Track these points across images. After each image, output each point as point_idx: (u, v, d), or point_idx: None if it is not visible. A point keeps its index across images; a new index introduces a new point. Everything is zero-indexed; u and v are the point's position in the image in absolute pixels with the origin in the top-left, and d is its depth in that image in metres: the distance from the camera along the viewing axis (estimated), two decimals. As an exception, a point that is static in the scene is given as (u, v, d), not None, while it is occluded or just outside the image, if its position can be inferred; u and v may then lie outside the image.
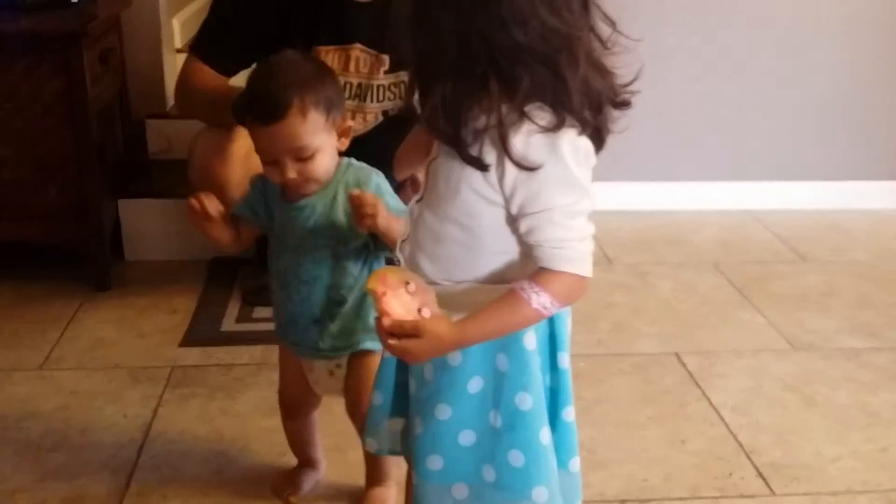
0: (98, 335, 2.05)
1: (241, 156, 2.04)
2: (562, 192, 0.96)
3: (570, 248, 0.97)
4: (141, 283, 2.31)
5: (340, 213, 1.28)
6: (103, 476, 1.57)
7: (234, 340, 2.07)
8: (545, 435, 1.06)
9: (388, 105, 2.03)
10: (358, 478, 1.53)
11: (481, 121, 0.94)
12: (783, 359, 2.03)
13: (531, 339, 1.04)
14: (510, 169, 0.95)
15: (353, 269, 1.32)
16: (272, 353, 2.00)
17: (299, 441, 1.55)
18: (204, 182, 2.06)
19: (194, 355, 1.99)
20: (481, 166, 0.96)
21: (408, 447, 1.15)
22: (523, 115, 0.93)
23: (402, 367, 1.13)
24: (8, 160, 2.15)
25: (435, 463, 1.08)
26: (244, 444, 1.68)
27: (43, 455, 1.63)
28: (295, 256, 1.32)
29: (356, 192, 1.20)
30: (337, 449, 1.62)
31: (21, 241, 2.25)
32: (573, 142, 0.95)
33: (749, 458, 1.67)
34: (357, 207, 1.19)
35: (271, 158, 1.25)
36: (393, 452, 1.23)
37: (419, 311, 0.99)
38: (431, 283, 1.03)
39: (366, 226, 1.19)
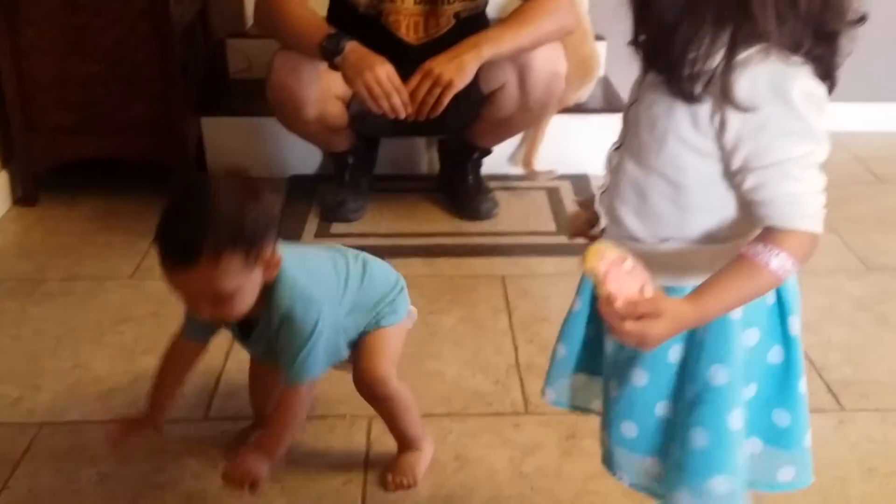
0: (184, 247, 2.14)
1: (318, 75, 2.07)
2: (795, 142, 0.86)
3: (806, 203, 0.88)
4: (223, 198, 2.39)
5: (278, 339, 1.24)
6: (192, 378, 1.64)
7: (313, 254, 2.14)
8: (735, 418, 0.97)
9: (459, 7, 2.04)
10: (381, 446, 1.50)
11: (703, 60, 0.85)
12: (857, 279, 2.01)
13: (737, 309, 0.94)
14: (733, 119, 0.86)
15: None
16: (349, 266, 2.07)
17: (256, 390, 1.49)
18: (280, 101, 2.12)
19: (275, 268, 2.07)
20: (694, 102, 0.87)
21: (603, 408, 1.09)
22: (750, 58, 0.84)
23: (592, 322, 1.07)
24: (97, 76, 2.22)
25: (629, 430, 1.02)
26: (324, 351, 1.76)
27: (136, 357, 1.73)
28: (262, 360, 1.40)
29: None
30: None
31: (110, 156, 2.34)
32: (806, 85, 0.85)
33: (819, 375, 1.67)
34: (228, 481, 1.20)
35: (183, 299, 1.18)
36: (572, 407, 1.16)
37: (641, 289, 0.89)
38: (634, 239, 0.96)
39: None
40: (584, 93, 2.55)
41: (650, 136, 0.92)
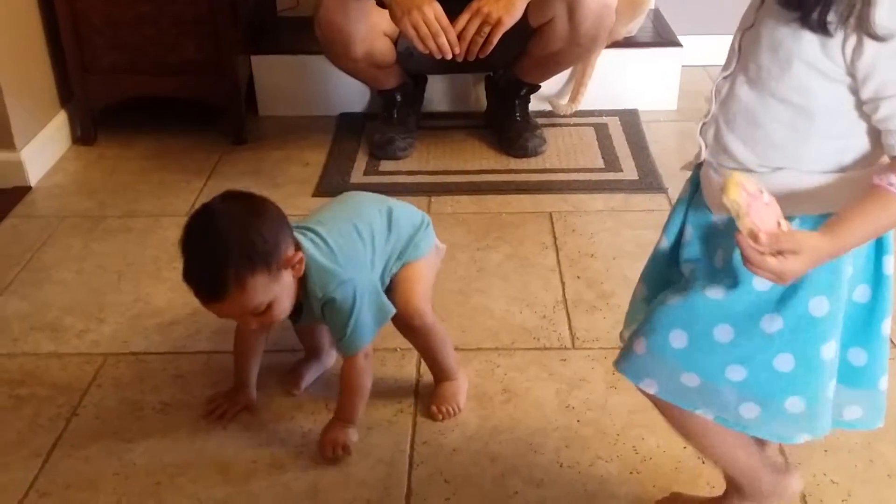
0: (237, 185, 2.15)
1: (365, 12, 2.07)
2: None
3: None
4: (274, 137, 2.43)
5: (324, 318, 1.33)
6: (249, 311, 1.71)
7: (362, 191, 2.16)
8: (829, 349, 0.97)
9: None
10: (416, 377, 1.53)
11: None
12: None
13: None
14: (868, 46, 0.83)
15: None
16: (398, 203, 2.10)
17: (300, 329, 1.52)
18: (328, 38, 2.12)
19: (326, 205, 2.10)
20: (828, 35, 0.84)
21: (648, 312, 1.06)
22: None
23: (672, 262, 1.06)
24: (148, 16, 2.25)
25: (678, 340, 1.00)
26: (374, 286, 1.79)
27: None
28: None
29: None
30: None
31: (163, 96, 2.38)
32: None
33: None
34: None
35: (233, 318, 1.29)
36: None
37: (778, 224, 0.87)
38: (743, 168, 0.93)
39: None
40: (634, 26, 2.51)
41: (772, 61, 0.89)
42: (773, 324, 0.97)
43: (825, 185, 0.92)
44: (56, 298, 1.77)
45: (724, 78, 0.96)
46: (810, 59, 0.87)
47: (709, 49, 2.24)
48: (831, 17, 0.84)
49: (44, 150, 2.29)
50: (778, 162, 0.93)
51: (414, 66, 2.30)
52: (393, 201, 1.48)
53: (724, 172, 0.92)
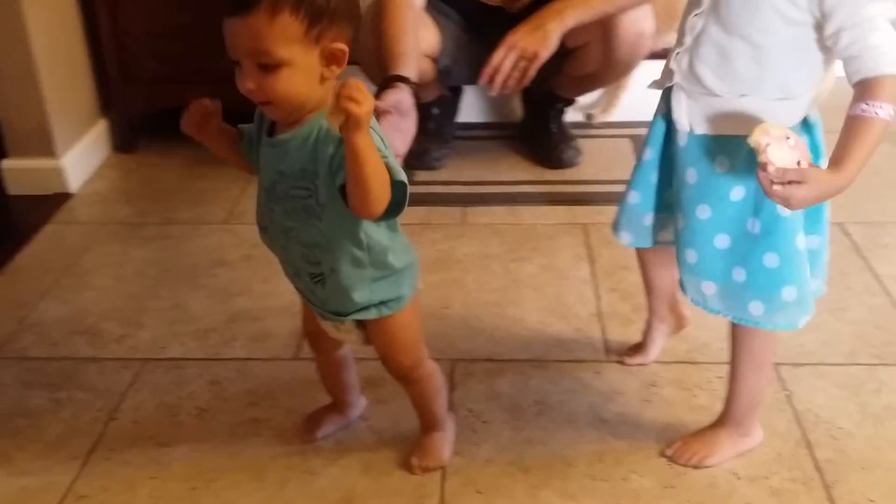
0: (273, 194, 2.20)
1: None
2: (873, 5, 1.01)
3: (890, 52, 1.01)
4: (310, 146, 2.44)
5: (314, 162, 1.08)
6: (283, 320, 1.72)
7: (397, 201, 2.18)
8: (801, 240, 1.15)
9: None
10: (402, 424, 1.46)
11: None
12: None
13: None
14: None
15: (326, 229, 1.12)
16: (434, 214, 2.11)
17: (326, 378, 1.44)
18: (369, 62, 2.12)
19: (361, 214, 2.12)
20: None
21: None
22: None
23: (662, 168, 1.25)
24: (188, 26, 2.28)
25: (690, 256, 1.20)
26: (408, 296, 1.80)
27: (230, 299, 1.80)
28: (269, 201, 1.16)
29: (351, 79, 0.99)
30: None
31: (202, 106, 2.41)
32: None
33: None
34: (343, 90, 0.96)
35: (234, 57, 1.05)
36: (654, 243, 1.34)
37: (798, 163, 1.04)
38: (713, 94, 1.12)
39: (346, 109, 0.96)
40: (671, 37, 2.49)
41: (742, 5, 1.06)
42: (754, 226, 1.15)
43: (779, 108, 1.10)
44: (95, 304, 1.80)
45: (696, 15, 1.11)
46: (777, 5, 1.04)
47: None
48: None
49: (84, 157, 2.33)
50: (742, 90, 1.10)
51: (453, 81, 2.31)
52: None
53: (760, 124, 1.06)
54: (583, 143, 2.37)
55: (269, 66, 1.02)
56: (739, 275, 1.18)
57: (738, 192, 1.15)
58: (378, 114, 1.72)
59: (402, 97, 1.74)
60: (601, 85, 2.31)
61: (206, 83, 2.34)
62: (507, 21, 1.98)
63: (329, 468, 1.37)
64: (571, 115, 2.42)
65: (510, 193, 2.20)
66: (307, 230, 1.13)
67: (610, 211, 2.07)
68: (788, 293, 1.17)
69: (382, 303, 1.20)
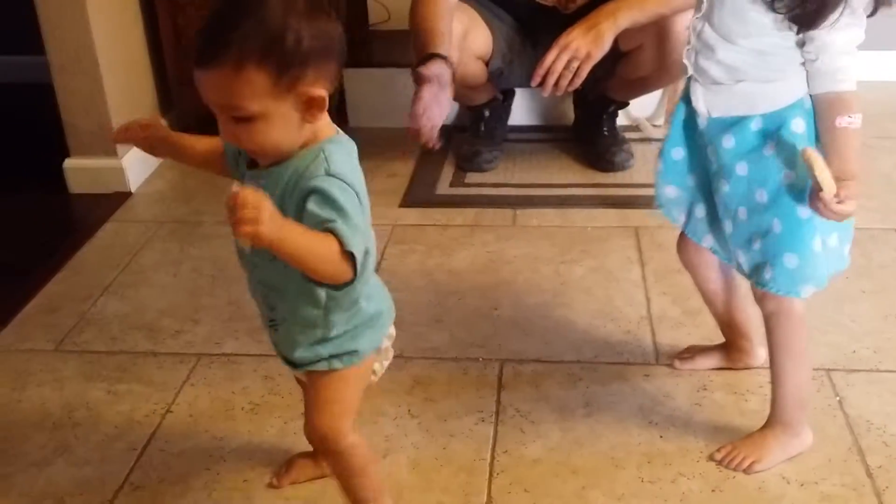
0: (326, 194, 2.23)
1: (458, 40, 2.09)
2: (847, 32, 1.13)
3: (853, 72, 1.16)
4: (363, 148, 2.39)
5: (282, 208, 0.96)
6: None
7: (449, 203, 2.19)
8: (804, 210, 1.22)
9: None
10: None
11: None
12: None
13: (800, 124, 1.21)
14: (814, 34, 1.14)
15: (285, 274, 1.03)
16: (484, 216, 2.12)
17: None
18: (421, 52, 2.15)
19: (413, 215, 2.14)
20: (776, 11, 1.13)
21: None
22: None
23: (687, 144, 1.34)
24: (246, 31, 2.33)
25: (727, 227, 1.31)
26: (459, 297, 1.81)
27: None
28: None
29: (236, 187, 0.92)
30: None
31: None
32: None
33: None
34: (230, 209, 0.89)
35: (211, 107, 0.99)
36: (668, 215, 1.42)
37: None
38: (716, 83, 1.24)
39: (239, 234, 0.88)
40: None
41: (733, 21, 1.18)
42: (762, 196, 1.24)
43: (770, 90, 1.21)
44: (153, 300, 1.84)
45: (698, 18, 1.23)
46: (760, 21, 1.15)
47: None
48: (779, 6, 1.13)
49: (144, 157, 2.38)
50: (739, 77, 1.22)
51: (504, 83, 2.32)
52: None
53: (806, 150, 1.16)
54: (635, 147, 2.36)
55: (243, 119, 0.96)
56: (756, 243, 1.27)
57: (741, 167, 1.25)
58: (421, 80, 1.67)
59: (442, 70, 1.80)
60: (654, 88, 2.30)
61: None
62: (560, 22, 1.99)
63: (378, 463, 1.39)
64: (624, 119, 2.41)
65: (561, 196, 2.20)
66: (268, 270, 1.06)
67: (661, 214, 2.08)
68: (789, 260, 1.25)
69: (333, 356, 1.11)
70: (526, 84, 2.23)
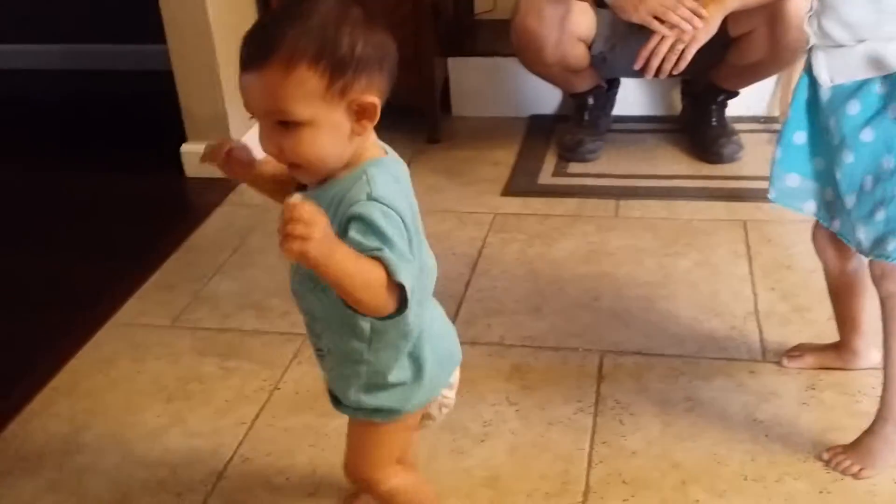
0: (429, 182, 2.26)
1: (559, 19, 2.09)
2: None
3: None
4: (466, 136, 2.49)
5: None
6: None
7: (550, 193, 2.19)
8: None
9: None
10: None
11: None
12: None
13: None
14: None
15: (328, 303, 0.97)
16: (586, 206, 2.11)
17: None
18: (523, 43, 2.16)
19: (514, 204, 2.14)
20: None
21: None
22: None
23: (809, 127, 1.30)
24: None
25: (849, 201, 1.26)
26: (559, 287, 1.81)
27: (387, 282, 1.87)
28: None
29: (295, 198, 0.85)
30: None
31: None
32: None
33: None
34: (284, 221, 0.84)
35: (253, 114, 0.94)
36: (789, 206, 1.36)
37: None
38: (838, 45, 1.21)
39: (286, 250, 0.83)
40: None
41: None
42: (889, 163, 1.20)
43: (892, 49, 1.17)
44: (262, 281, 1.91)
45: None
46: None
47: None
48: None
49: (257, 143, 2.46)
50: (860, 36, 1.19)
51: (607, 70, 2.29)
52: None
53: None
54: (745, 138, 2.30)
55: (290, 125, 0.91)
56: (879, 213, 1.22)
57: (866, 133, 1.21)
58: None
59: None
60: (766, 75, 2.24)
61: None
62: None
63: (476, 448, 1.41)
64: (734, 110, 2.36)
65: (666, 187, 2.17)
66: (310, 299, 1.01)
67: (772, 208, 2.02)
68: None
69: (376, 410, 1.05)
70: (630, 73, 2.21)
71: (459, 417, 1.46)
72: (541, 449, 1.39)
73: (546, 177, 2.28)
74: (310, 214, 0.83)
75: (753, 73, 2.20)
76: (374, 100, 0.92)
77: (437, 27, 2.43)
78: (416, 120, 2.47)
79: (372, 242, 0.89)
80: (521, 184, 2.24)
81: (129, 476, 1.40)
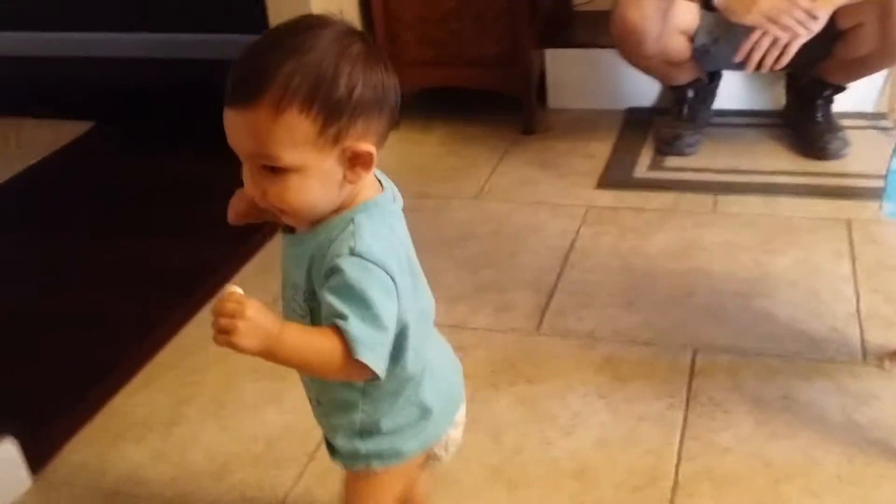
0: (523, 173, 2.26)
1: (662, 12, 2.06)
2: None
3: None
4: (561, 128, 2.48)
5: (308, 281, 0.89)
6: (527, 294, 1.78)
7: (646, 186, 2.16)
8: None
9: None
10: None
11: None
12: None
13: None
14: None
15: None
16: (682, 200, 2.08)
17: None
18: (623, 35, 2.13)
19: (608, 197, 2.12)
20: None
21: None
22: None
23: None
24: (453, 12, 2.39)
25: None
26: (652, 282, 1.79)
27: (478, 270, 1.88)
28: (281, 296, 0.97)
29: (227, 289, 0.81)
30: None
31: (460, 86, 2.52)
32: None
33: None
34: (213, 311, 0.80)
35: (238, 155, 0.86)
36: None
37: None
38: None
39: (215, 341, 0.80)
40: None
41: None
42: None
43: None
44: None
45: None
46: None
47: None
48: None
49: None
50: None
51: (709, 63, 2.25)
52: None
53: None
54: (851, 135, 2.22)
55: (277, 170, 0.83)
56: None
57: None
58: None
59: None
60: (874, 70, 2.15)
61: (467, 65, 2.46)
62: None
63: (563, 440, 1.41)
64: (841, 105, 2.28)
65: (766, 183, 2.12)
66: None
67: (877, 207, 1.95)
68: None
69: (373, 455, 0.97)
70: (732, 66, 2.16)
71: (548, 408, 1.47)
72: (629, 442, 1.38)
73: (642, 170, 2.25)
74: (233, 307, 0.79)
75: (862, 68, 2.13)
76: (370, 148, 0.85)
77: (535, 20, 2.43)
78: (513, 111, 2.48)
79: (340, 307, 0.83)
80: (615, 177, 2.22)
81: (226, 449, 1.46)
